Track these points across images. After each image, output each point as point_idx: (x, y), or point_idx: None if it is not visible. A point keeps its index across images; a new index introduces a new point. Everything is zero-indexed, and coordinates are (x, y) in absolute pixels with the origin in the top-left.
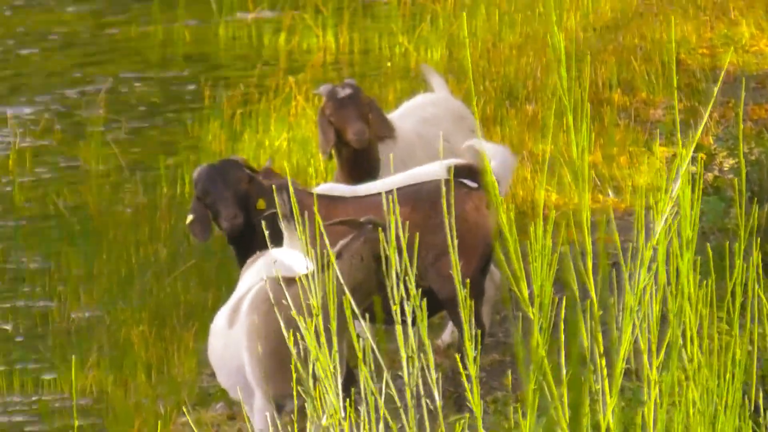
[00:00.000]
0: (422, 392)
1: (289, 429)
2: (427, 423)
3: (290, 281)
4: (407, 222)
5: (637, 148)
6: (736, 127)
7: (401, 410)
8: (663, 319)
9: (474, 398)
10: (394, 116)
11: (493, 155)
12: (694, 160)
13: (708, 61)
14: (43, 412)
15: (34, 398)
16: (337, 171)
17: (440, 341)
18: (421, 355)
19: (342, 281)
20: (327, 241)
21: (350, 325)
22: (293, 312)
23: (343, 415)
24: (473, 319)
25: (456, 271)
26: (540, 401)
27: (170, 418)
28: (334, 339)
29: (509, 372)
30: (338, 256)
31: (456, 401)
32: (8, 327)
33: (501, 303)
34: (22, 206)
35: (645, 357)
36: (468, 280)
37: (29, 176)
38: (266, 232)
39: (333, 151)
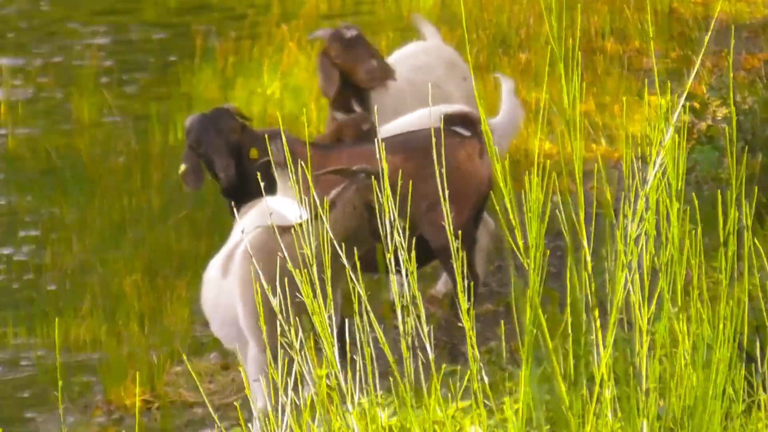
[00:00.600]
0: (416, 343)
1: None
2: (421, 374)
3: (284, 230)
4: (399, 171)
5: (629, 96)
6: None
7: (394, 362)
8: (656, 270)
9: (474, 353)
10: None
11: (506, 110)
12: (685, 108)
13: (701, 9)
14: (36, 362)
15: (27, 348)
16: (328, 121)
17: (435, 291)
18: (413, 307)
19: (335, 230)
20: (320, 191)
21: (347, 273)
22: (289, 264)
23: (339, 366)
24: (466, 270)
25: (448, 222)
26: (534, 352)
27: (163, 367)
28: (328, 288)
29: (502, 322)
30: (331, 205)
31: (450, 351)
32: (1, 276)
33: (495, 252)
34: (15, 156)
35: (635, 307)
36: (460, 230)
37: (21, 126)
38: (261, 181)
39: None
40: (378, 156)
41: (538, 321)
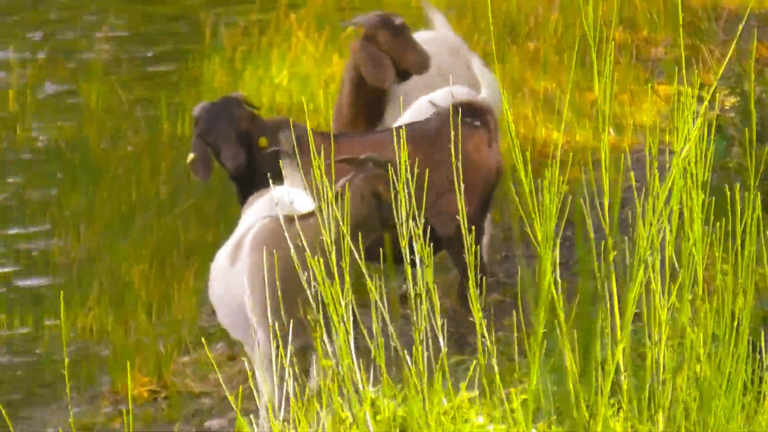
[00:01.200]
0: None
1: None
2: (434, 364)
3: (292, 219)
4: (409, 160)
5: (638, 86)
6: (738, 66)
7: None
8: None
9: (486, 342)
10: None
11: (488, 84)
12: (701, 99)
13: None
14: (44, 351)
15: (33, 337)
16: (338, 110)
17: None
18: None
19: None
20: (329, 180)
21: (362, 263)
22: (307, 253)
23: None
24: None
25: (462, 217)
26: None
27: (170, 357)
28: (347, 276)
29: (513, 312)
30: (339, 194)
31: (457, 341)
32: (9, 265)
33: (502, 242)
34: (24, 144)
35: (656, 298)
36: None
37: (30, 114)
38: (269, 171)
39: (350, 90)
40: (387, 145)
41: (555, 311)
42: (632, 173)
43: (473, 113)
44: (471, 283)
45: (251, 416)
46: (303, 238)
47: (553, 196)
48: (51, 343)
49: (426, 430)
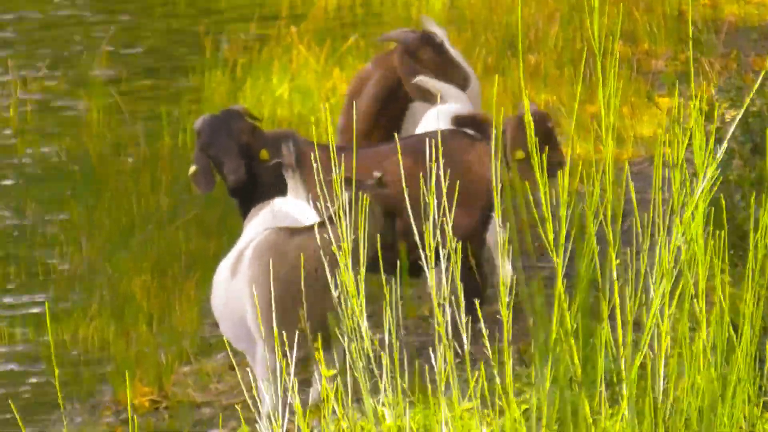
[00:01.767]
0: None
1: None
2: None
3: (293, 232)
4: (410, 175)
5: (638, 98)
6: (738, 78)
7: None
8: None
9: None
10: None
11: (452, 96)
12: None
13: (709, 12)
14: (45, 362)
15: (34, 348)
16: (347, 122)
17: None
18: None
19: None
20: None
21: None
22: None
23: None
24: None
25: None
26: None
27: (171, 367)
28: (361, 285)
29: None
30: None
31: (456, 352)
32: (10, 277)
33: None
34: (24, 156)
35: (656, 307)
36: (470, 232)
37: (31, 126)
38: (270, 183)
39: (373, 103)
40: (389, 159)
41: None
42: (632, 185)
43: (474, 126)
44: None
45: (257, 425)
46: (308, 249)
47: (564, 200)
48: (53, 354)
49: None
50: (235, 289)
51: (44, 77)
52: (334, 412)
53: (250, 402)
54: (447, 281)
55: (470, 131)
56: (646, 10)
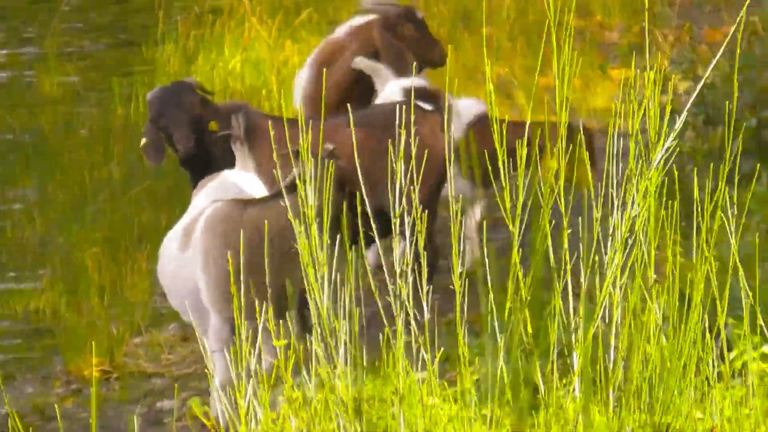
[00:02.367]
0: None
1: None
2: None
3: (246, 203)
4: (362, 147)
5: (592, 71)
6: (691, 50)
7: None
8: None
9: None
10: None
11: (388, 78)
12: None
13: None
14: None
15: None
16: (314, 93)
17: (369, 262)
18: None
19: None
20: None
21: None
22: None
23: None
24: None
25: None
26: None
27: (123, 339)
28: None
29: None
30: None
31: (408, 323)
32: None
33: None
34: None
35: (608, 278)
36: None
37: None
38: (221, 155)
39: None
40: (341, 131)
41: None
42: (586, 156)
43: (426, 98)
44: (423, 264)
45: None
46: (261, 221)
47: (521, 171)
48: (4, 325)
49: (379, 410)
50: (185, 260)
51: None
52: (286, 381)
53: (201, 373)
54: (410, 250)
55: (422, 103)
56: None
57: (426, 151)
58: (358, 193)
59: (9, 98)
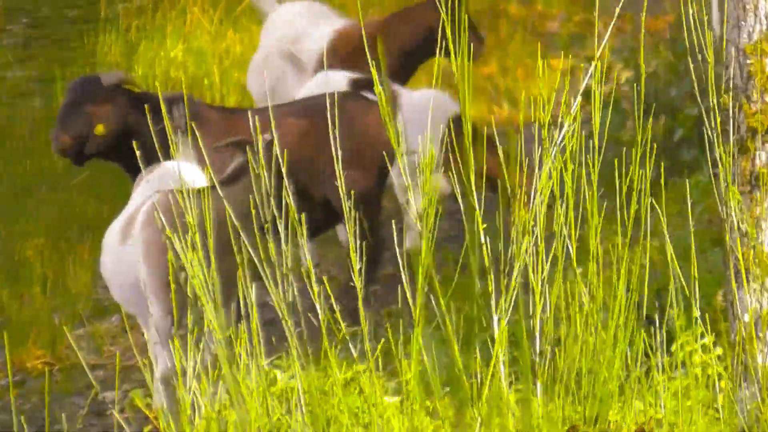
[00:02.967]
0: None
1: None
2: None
3: (187, 195)
4: (306, 136)
5: (533, 60)
6: (633, 39)
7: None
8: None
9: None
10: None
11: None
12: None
13: None
14: None
15: None
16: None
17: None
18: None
19: (243, 199)
20: (221, 156)
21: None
22: (169, 230)
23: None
24: (367, 231)
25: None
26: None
27: (65, 330)
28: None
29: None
30: (243, 173)
31: (351, 314)
32: None
33: (395, 215)
34: None
35: (530, 269)
36: (365, 193)
37: None
38: (161, 146)
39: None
40: (279, 122)
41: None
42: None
43: (371, 88)
44: (351, 248)
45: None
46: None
47: (425, 167)
48: None
49: (320, 401)
50: (126, 252)
51: None
52: (225, 374)
53: (144, 364)
54: (353, 241)
55: (368, 94)
56: None
57: (371, 142)
58: (302, 182)
59: None
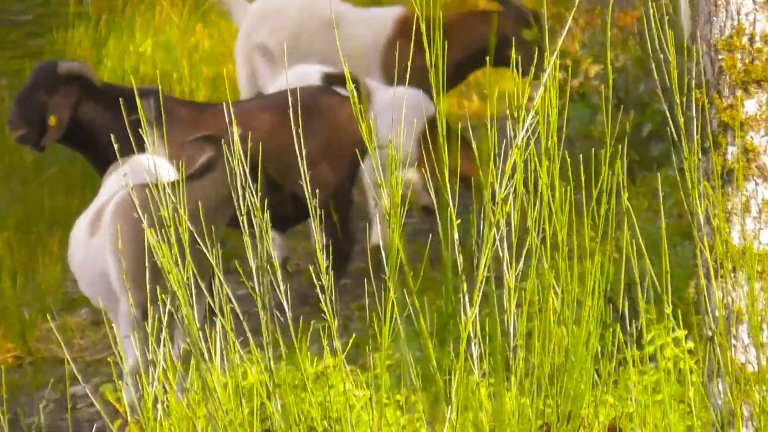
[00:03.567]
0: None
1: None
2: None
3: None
4: (277, 131)
5: None
6: (602, 34)
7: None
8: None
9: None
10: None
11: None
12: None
13: None
14: None
15: None
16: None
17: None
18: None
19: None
20: (191, 151)
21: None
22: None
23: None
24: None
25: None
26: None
27: (35, 324)
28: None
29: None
30: (211, 168)
31: (320, 308)
32: None
33: (366, 209)
34: None
35: (504, 265)
36: (336, 189)
37: None
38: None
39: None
40: (252, 116)
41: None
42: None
43: (344, 84)
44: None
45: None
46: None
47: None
48: None
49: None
50: (95, 246)
51: None
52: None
53: (112, 358)
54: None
55: (341, 89)
56: None
57: (343, 137)
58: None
59: None
